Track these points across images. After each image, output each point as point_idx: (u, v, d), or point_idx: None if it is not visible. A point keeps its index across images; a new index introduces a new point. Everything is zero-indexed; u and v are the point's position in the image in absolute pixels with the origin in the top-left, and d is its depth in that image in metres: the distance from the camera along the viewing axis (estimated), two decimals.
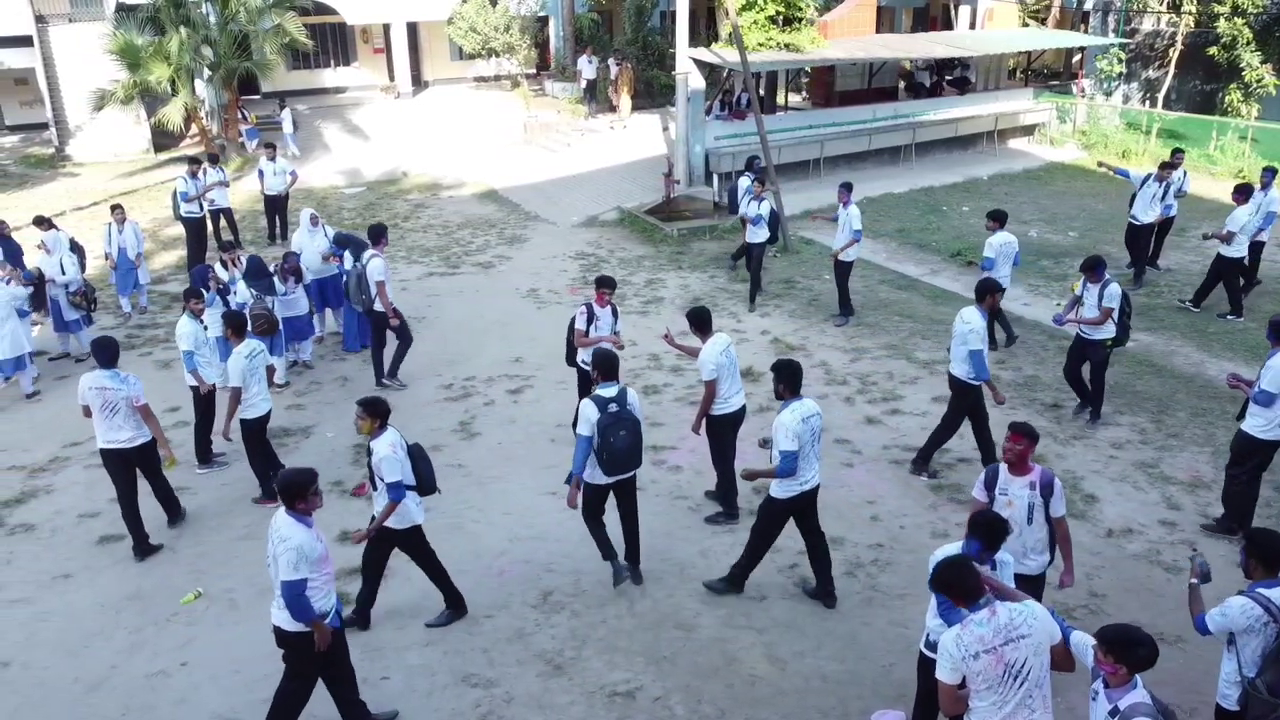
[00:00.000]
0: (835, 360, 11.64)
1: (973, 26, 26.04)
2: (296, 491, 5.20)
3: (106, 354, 7.73)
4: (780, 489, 6.76)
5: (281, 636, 5.43)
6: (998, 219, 11.46)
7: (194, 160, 15.70)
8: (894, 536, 8.03)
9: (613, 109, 24.30)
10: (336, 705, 5.80)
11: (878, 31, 24.09)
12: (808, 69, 23.61)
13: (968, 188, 19.98)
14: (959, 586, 4.53)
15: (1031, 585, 5.83)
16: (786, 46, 19.17)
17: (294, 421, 10.32)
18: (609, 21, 29.88)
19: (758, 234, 13.30)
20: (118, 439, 7.68)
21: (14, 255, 12.25)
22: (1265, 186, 12.92)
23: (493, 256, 16.31)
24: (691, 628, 6.96)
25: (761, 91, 19.99)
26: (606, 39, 28.34)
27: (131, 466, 7.80)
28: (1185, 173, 14.73)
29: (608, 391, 6.77)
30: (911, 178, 20.48)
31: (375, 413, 6.39)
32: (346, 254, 11.89)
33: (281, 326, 10.82)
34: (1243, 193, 12.52)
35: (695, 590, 7.36)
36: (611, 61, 24.32)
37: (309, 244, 11.87)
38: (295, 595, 5.17)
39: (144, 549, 7.86)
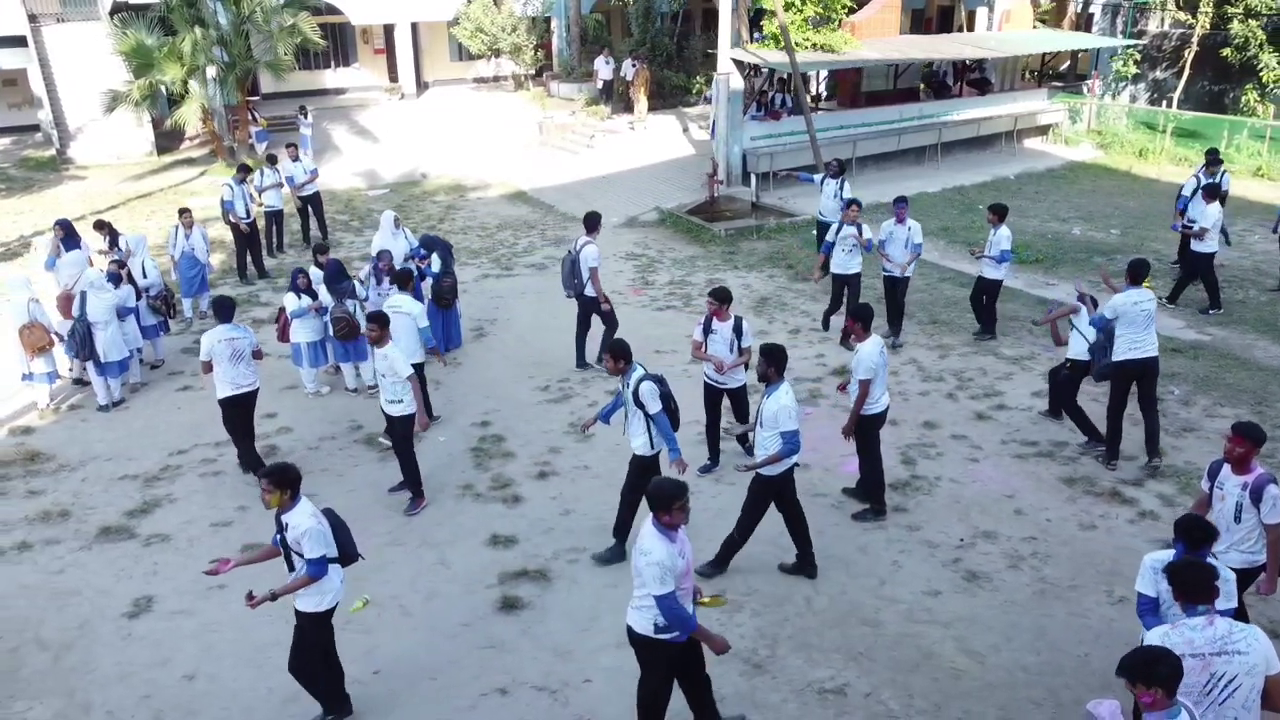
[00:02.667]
0: (924, 357, 11.75)
1: (988, 28, 26.43)
2: (664, 502, 5.06)
3: (227, 310, 8.75)
4: (774, 468, 7.08)
5: (632, 638, 5.44)
6: (998, 213, 11.56)
7: (244, 168, 15.36)
8: (1043, 529, 8.12)
9: (628, 109, 24.29)
10: (690, 705, 5.80)
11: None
12: (824, 70, 23.78)
13: (997, 187, 20.27)
14: (1192, 585, 4.51)
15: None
16: (821, 47, 19.31)
17: None
18: (609, 22, 29.83)
19: (850, 263, 11.91)
20: (243, 384, 8.73)
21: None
22: None
23: (543, 258, 16.19)
24: (877, 624, 6.98)
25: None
26: (608, 39, 28.32)
27: (248, 411, 8.88)
28: (1225, 172, 15.10)
29: (639, 372, 7.32)
30: (941, 178, 20.74)
31: (284, 482, 5.52)
32: (434, 256, 11.80)
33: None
34: (1210, 193, 12.86)
35: (866, 586, 7.41)
36: (628, 62, 24.33)
37: (392, 246, 11.67)
38: (669, 608, 5.07)
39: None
